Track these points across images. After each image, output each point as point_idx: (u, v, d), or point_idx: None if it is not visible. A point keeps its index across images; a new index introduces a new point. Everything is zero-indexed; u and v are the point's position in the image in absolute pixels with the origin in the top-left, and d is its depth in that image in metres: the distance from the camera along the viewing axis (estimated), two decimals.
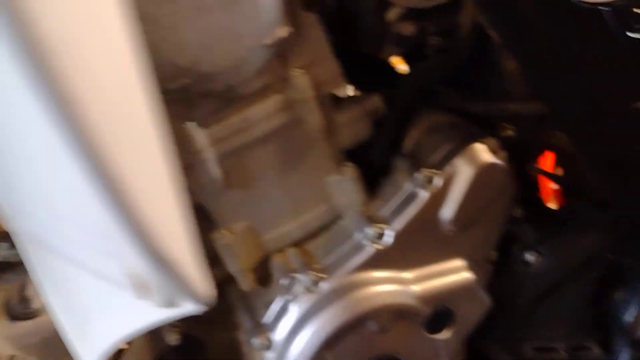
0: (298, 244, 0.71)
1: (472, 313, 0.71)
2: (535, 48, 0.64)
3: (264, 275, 0.72)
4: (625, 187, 0.71)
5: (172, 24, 0.55)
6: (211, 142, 0.61)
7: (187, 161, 0.62)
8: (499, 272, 0.75)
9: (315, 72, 0.64)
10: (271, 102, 0.63)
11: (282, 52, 0.61)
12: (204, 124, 0.61)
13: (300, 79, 0.62)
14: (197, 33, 0.55)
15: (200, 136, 0.61)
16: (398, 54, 0.82)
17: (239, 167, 0.64)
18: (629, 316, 0.78)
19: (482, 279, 0.72)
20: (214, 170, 0.63)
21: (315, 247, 0.71)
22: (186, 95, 0.59)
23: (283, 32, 0.58)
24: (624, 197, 0.72)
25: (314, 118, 0.64)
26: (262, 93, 0.62)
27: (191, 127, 0.60)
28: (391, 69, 0.82)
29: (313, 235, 0.72)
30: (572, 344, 0.80)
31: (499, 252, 0.76)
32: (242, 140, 0.63)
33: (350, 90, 0.72)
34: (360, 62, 0.84)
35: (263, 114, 0.62)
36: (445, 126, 0.73)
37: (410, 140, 0.74)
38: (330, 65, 0.64)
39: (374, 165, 0.74)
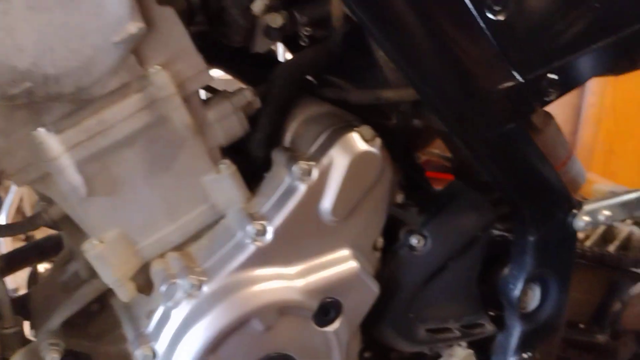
0: (179, 247, 0.69)
1: (361, 302, 0.71)
2: (399, 34, 0.64)
3: (146, 283, 0.69)
4: (498, 167, 0.73)
5: (5, 24, 0.51)
6: (67, 148, 0.58)
7: (43, 170, 0.59)
8: (387, 258, 0.76)
9: (177, 69, 0.61)
10: (130, 102, 0.60)
11: (137, 49, 0.58)
12: (57, 129, 0.57)
13: (160, 76, 0.59)
14: (35, 33, 0.52)
15: (53, 143, 0.57)
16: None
17: (103, 172, 0.61)
18: (516, 291, 0.80)
19: (369, 266, 0.72)
20: (74, 177, 0.59)
21: (197, 249, 0.69)
22: (32, 100, 0.55)
23: (133, 28, 0.55)
24: (499, 177, 0.74)
25: (179, 116, 0.62)
26: (119, 93, 0.59)
27: (41, 133, 0.56)
28: (275, 62, 0.80)
29: (196, 237, 0.70)
30: (465, 322, 0.82)
31: (386, 238, 0.77)
32: (101, 144, 0.59)
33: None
34: (246, 57, 0.83)
35: (122, 115, 0.59)
36: (322, 116, 0.72)
37: (289, 133, 0.73)
38: (193, 61, 0.62)
39: (255, 160, 0.73)
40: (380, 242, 0.74)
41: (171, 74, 0.60)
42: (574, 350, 1.00)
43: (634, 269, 1.01)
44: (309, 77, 0.88)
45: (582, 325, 1.07)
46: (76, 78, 0.55)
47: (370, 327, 0.77)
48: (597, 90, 2.64)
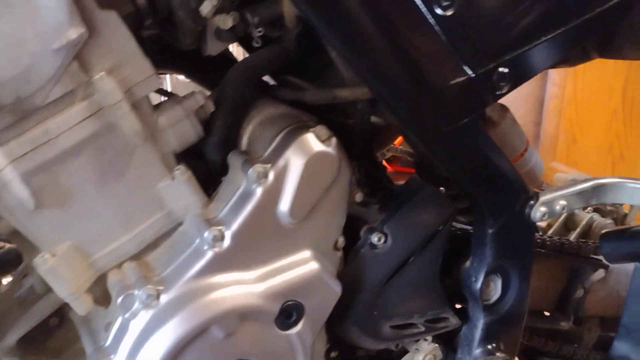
0: (137, 257, 0.68)
1: (324, 302, 0.71)
2: (348, 32, 0.64)
3: (103, 295, 0.67)
4: (454, 162, 0.73)
5: None
6: (10, 160, 0.56)
7: None
8: (348, 257, 0.76)
9: (124, 74, 0.60)
10: (76, 111, 0.58)
11: (80, 55, 0.57)
12: None
13: (105, 83, 0.58)
14: None
15: None
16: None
17: (51, 183, 0.59)
18: (478, 283, 0.81)
19: (330, 266, 0.72)
20: (20, 190, 0.57)
21: (155, 258, 0.68)
22: None
23: (74, 33, 0.54)
24: (455, 171, 0.74)
25: (128, 123, 0.60)
26: (63, 101, 0.57)
27: None
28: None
29: (153, 245, 0.69)
30: (429, 317, 0.82)
31: (347, 237, 0.77)
32: (48, 154, 0.58)
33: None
34: (205, 60, 0.82)
35: (68, 124, 0.58)
36: (278, 118, 0.72)
37: (245, 136, 0.73)
38: (140, 65, 0.61)
39: (212, 165, 0.72)
40: (341, 241, 0.74)
41: (117, 80, 0.59)
42: (539, 338, 1.02)
43: (594, 256, 1.03)
44: (267, 79, 0.87)
45: (546, 313, 1.09)
46: (15, 88, 0.53)
47: (335, 327, 0.77)
48: (558, 81, 2.69)
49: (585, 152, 2.64)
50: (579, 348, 1.09)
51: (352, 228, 0.77)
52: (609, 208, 1.32)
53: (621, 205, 1.34)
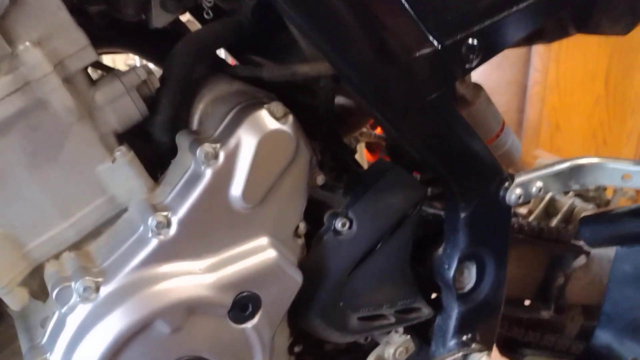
0: (77, 246, 0.62)
1: (283, 293, 0.66)
2: (306, 2, 0.58)
3: (40, 288, 0.62)
4: (422, 141, 0.69)
5: None
6: None
7: None
8: (311, 244, 0.71)
9: (54, 46, 0.54)
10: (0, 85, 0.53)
11: (3, 25, 0.51)
12: None
13: (31, 54, 0.53)
14: None
15: None
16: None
17: None
18: (451, 271, 0.76)
19: (290, 255, 0.67)
20: None
21: (97, 247, 0.63)
22: None
23: None
24: (423, 152, 0.69)
25: (59, 99, 0.55)
26: None
27: None
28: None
29: (96, 233, 0.63)
30: (400, 307, 0.77)
31: (311, 223, 0.72)
32: None
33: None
34: (157, 37, 0.77)
35: None
36: (231, 95, 0.67)
37: (196, 115, 0.67)
38: (72, 36, 0.55)
39: (160, 147, 0.66)
40: (302, 227, 0.69)
41: (46, 52, 0.54)
42: (519, 328, 0.98)
43: (575, 242, 0.99)
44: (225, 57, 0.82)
45: (526, 302, 1.05)
46: None
47: (298, 320, 0.72)
48: (540, 67, 2.65)
49: (568, 139, 2.60)
50: (561, 338, 1.05)
51: (316, 213, 0.72)
52: (591, 194, 1.28)
53: (604, 190, 1.30)
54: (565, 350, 1.05)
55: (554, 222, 1.17)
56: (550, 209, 1.24)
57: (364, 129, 1.20)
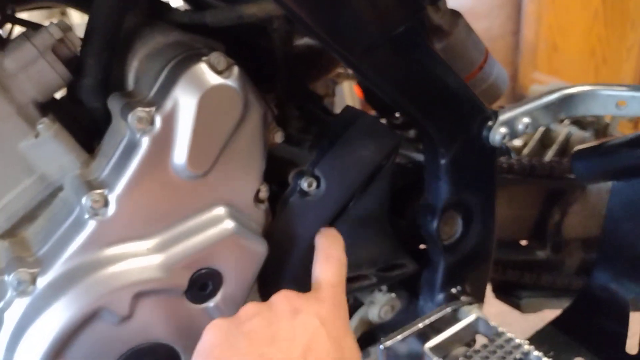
0: (11, 233, 0.56)
1: (246, 266, 0.60)
2: None
3: None
4: (390, 81, 0.61)
5: None
6: None
7: None
8: (276, 209, 0.64)
9: None
10: None
11: None
12: None
13: None
14: None
15: None
16: None
17: None
18: (434, 222, 0.70)
19: (252, 223, 0.61)
20: None
21: (33, 233, 0.56)
22: None
23: None
24: (392, 93, 0.61)
25: None
26: None
27: None
28: None
29: (31, 217, 0.57)
30: (382, 265, 0.72)
31: (276, 184, 0.65)
32: None
33: None
34: None
35: None
36: (166, 48, 0.58)
37: (131, 74, 0.59)
38: None
39: (93, 114, 0.59)
40: (264, 191, 0.62)
41: None
42: (514, 271, 0.93)
43: (570, 175, 0.92)
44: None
45: (522, 243, 0.99)
46: None
47: (271, 290, 0.66)
48: None
49: (567, 59, 2.49)
50: (559, 276, 0.99)
51: (281, 173, 0.65)
52: (589, 119, 1.19)
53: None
54: (564, 288, 1.00)
55: (550, 154, 1.10)
56: (545, 139, 1.16)
57: (341, 70, 1.11)
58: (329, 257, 0.59)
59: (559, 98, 0.68)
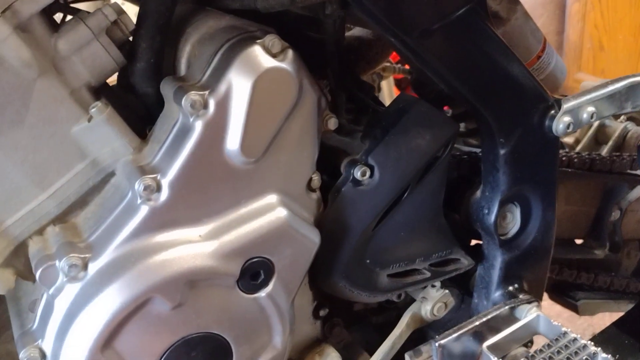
0: (62, 219, 0.55)
1: (299, 256, 0.58)
2: None
3: (27, 267, 0.55)
4: (449, 68, 0.58)
5: None
6: None
7: None
8: (329, 198, 0.62)
9: None
10: None
11: None
12: None
13: None
14: None
15: None
16: None
17: None
18: (492, 216, 0.67)
19: (304, 212, 0.59)
20: None
21: (84, 218, 0.55)
22: None
23: None
24: (451, 80, 0.59)
25: (12, 51, 0.47)
26: None
27: None
28: None
29: (82, 203, 0.56)
30: (435, 259, 0.69)
31: (328, 174, 0.63)
32: None
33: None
34: None
35: None
36: (219, 32, 0.57)
37: (183, 59, 0.58)
38: None
39: (146, 99, 0.58)
40: (316, 180, 0.60)
41: None
42: (570, 270, 0.88)
43: (631, 171, 0.88)
44: None
45: (578, 241, 0.95)
46: None
47: (321, 282, 0.65)
48: None
49: (613, 60, 2.41)
50: (616, 277, 0.95)
51: (333, 162, 0.63)
52: None
53: None
54: (621, 290, 0.96)
55: (605, 151, 1.05)
56: (600, 136, 1.11)
57: (387, 63, 1.09)
58: None
59: (625, 86, 0.65)
